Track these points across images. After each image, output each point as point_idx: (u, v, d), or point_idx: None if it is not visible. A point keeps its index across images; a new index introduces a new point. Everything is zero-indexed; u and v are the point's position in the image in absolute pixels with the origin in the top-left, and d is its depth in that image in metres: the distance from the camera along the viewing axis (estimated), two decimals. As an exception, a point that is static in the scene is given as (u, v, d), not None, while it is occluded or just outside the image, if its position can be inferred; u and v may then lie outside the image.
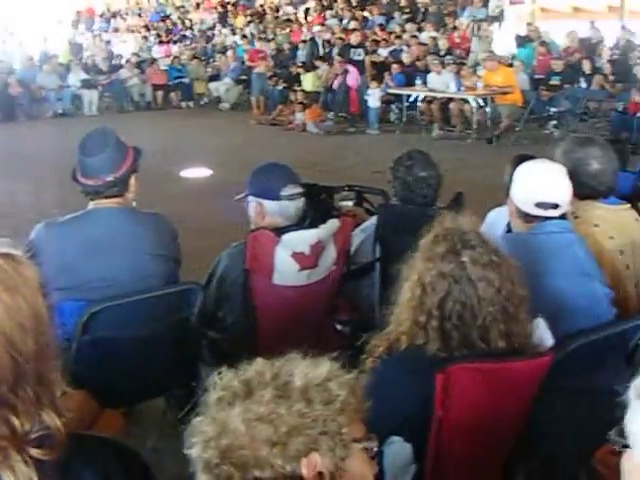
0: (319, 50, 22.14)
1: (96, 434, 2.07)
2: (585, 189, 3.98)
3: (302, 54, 22.47)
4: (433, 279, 2.76)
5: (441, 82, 16.76)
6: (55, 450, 1.72)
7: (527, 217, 3.71)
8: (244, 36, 24.65)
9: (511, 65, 17.67)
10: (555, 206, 3.65)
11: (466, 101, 16.39)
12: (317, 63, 20.57)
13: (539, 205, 3.66)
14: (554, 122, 16.57)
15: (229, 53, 23.92)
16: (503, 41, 20.08)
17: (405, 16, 23.13)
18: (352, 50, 19.09)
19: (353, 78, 18.74)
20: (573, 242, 3.65)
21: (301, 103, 18.88)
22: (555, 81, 17.09)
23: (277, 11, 27.69)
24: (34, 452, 1.69)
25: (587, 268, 3.59)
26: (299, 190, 4.08)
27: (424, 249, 2.83)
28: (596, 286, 3.58)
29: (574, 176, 3.85)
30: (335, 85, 19.24)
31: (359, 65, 19.16)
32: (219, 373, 1.90)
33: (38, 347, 1.73)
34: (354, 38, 19.34)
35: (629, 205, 4.13)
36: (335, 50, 21.27)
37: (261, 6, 28.74)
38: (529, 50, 19.10)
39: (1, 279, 1.71)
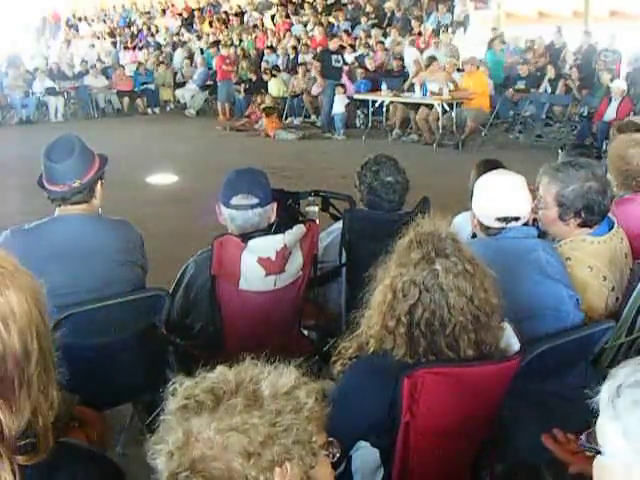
0: (289, 57, 22.16)
1: (72, 441, 2.04)
2: (579, 218, 3.97)
3: (268, 60, 22.47)
4: (405, 285, 2.74)
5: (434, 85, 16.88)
6: (39, 454, 1.70)
7: (489, 229, 3.75)
8: (214, 42, 24.53)
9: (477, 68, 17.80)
10: (516, 219, 3.70)
11: (432, 107, 16.46)
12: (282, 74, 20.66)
13: (500, 219, 3.70)
14: (519, 127, 16.69)
15: (197, 59, 23.88)
16: (469, 46, 20.16)
17: (371, 22, 23.16)
18: (333, 57, 19.05)
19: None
20: (537, 247, 3.69)
21: (264, 109, 18.89)
22: (521, 85, 17.22)
23: (242, 17, 27.62)
24: (20, 459, 1.68)
25: (552, 272, 3.62)
26: (250, 202, 4.03)
27: (399, 254, 2.81)
28: (561, 288, 3.62)
29: (566, 205, 3.90)
30: (314, 91, 19.24)
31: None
32: (178, 381, 1.86)
33: (23, 347, 1.72)
34: (332, 44, 19.30)
35: (616, 227, 4.11)
36: (302, 57, 21.30)
37: (225, 13, 28.66)
38: (490, 54, 19.23)
39: None
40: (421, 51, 19.13)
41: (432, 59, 17.67)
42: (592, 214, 3.95)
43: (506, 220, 3.70)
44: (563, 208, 3.95)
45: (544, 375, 3.39)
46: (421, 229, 2.84)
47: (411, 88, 17.42)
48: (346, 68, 19.18)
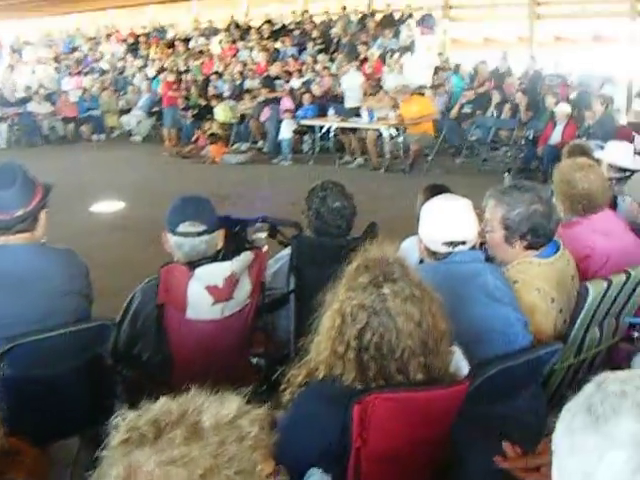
0: (235, 82, 22.20)
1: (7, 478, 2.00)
2: (524, 241, 4.02)
3: (215, 85, 22.47)
4: (353, 309, 2.74)
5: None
6: None
7: (436, 254, 3.78)
8: (161, 69, 24.49)
9: (422, 94, 17.93)
10: (463, 243, 3.74)
11: (380, 132, 16.57)
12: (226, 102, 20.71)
13: (447, 244, 3.74)
14: (465, 152, 16.84)
15: (142, 85, 23.80)
16: (415, 71, 20.32)
17: (317, 47, 23.29)
18: (276, 82, 19.16)
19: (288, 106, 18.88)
20: (483, 271, 3.73)
21: (211, 135, 18.88)
22: (467, 109, 17.39)
23: (188, 42, 27.61)
24: None
25: (499, 295, 3.66)
26: (197, 229, 4.02)
27: (347, 279, 2.82)
28: (508, 311, 3.65)
29: (512, 228, 3.96)
30: (262, 117, 19.28)
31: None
32: (121, 414, 1.83)
33: None
34: (274, 69, 19.40)
35: (562, 248, 4.16)
36: (249, 82, 21.34)
37: (172, 41, 28.63)
38: (457, 79, 19.38)
39: None
40: (367, 77, 19.23)
41: (378, 88, 17.86)
42: (538, 236, 4.00)
43: (453, 244, 3.73)
44: (509, 231, 4.00)
45: (494, 398, 3.41)
46: (369, 254, 2.86)
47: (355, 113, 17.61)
48: (286, 89, 19.33)
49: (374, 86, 18.31)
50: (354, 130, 17.33)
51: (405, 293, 2.74)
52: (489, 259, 4.04)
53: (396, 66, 19.42)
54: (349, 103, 18.37)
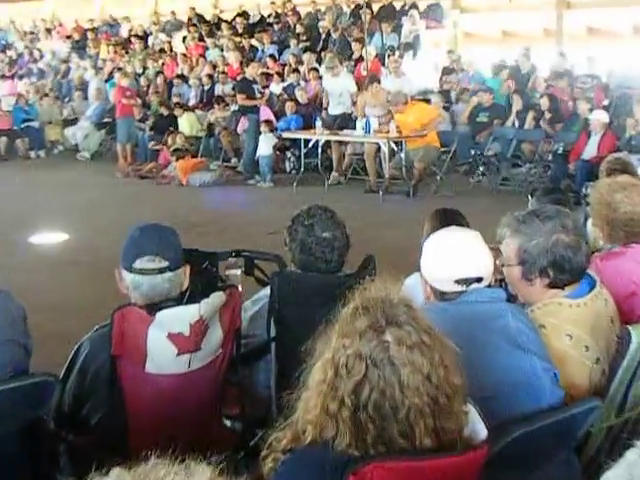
0: (204, 88, 22.27)
1: None
2: (545, 278, 4.03)
3: (179, 92, 22.53)
4: (349, 359, 2.73)
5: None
6: None
7: (445, 296, 3.78)
8: (116, 71, 24.51)
9: (428, 101, 17.98)
10: (478, 280, 3.74)
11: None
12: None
13: (459, 282, 3.74)
14: (481, 169, 16.85)
15: (90, 91, 23.82)
16: (419, 73, 20.38)
17: (302, 45, 23.34)
18: (254, 86, 19.19)
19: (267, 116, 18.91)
20: (504, 312, 3.72)
21: (175, 151, 18.88)
22: (483, 117, 17.41)
23: (146, 39, 27.68)
24: None
25: (523, 341, 3.64)
26: (157, 265, 4.03)
27: (341, 323, 2.81)
28: (534, 360, 3.63)
29: (529, 262, 3.96)
30: (240, 129, 19.32)
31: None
32: None
33: None
34: (250, 71, 19.46)
35: (599, 286, 4.15)
36: (219, 88, 21.40)
37: (126, 38, 28.70)
38: (498, 82, 19.20)
39: None
40: (361, 79, 19.25)
41: (374, 78, 17.92)
42: (562, 272, 4.01)
43: (467, 282, 3.73)
44: (526, 266, 4.01)
45: (518, 467, 3.40)
46: (368, 293, 2.86)
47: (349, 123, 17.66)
48: (265, 96, 19.39)
49: (371, 77, 18.31)
50: (345, 143, 17.41)
51: (412, 340, 2.73)
52: (511, 299, 4.05)
53: (392, 67, 19.35)
54: (335, 110, 18.52)
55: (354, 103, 18.35)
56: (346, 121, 18.07)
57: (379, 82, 18.29)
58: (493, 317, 3.69)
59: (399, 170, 16.60)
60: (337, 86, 18.71)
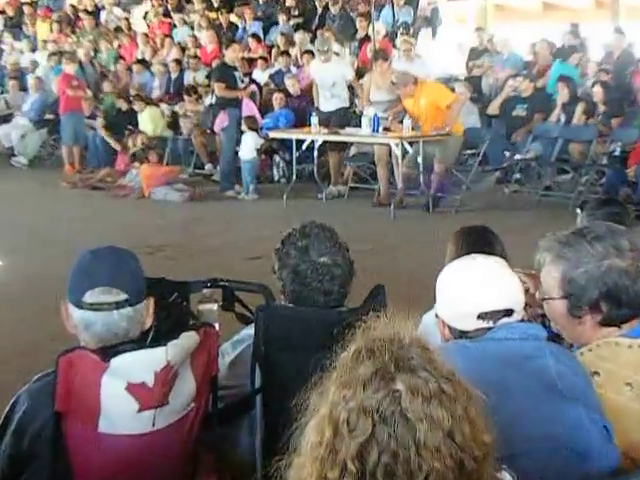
0: (170, 76, 22.26)
1: None
2: (598, 313, 3.99)
3: (140, 81, 22.53)
4: (351, 416, 2.72)
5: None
6: None
7: (467, 335, 3.79)
8: (53, 54, 24.54)
9: (452, 90, 17.96)
10: (508, 312, 3.74)
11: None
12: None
13: (483, 317, 3.74)
14: (518, 176, 16.82)
15: (28, 80, 23.84)
16: (439, 55, 20.39)
17: (293, 22, 23.33)
18: (235, 74, 18.96)
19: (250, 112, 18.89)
20: (541, 351, 3.71)
21: (134, 156, 18.85)
22: (520, 111, 17.37)
23: (97, 15, 27.69)
24: None
25: (565, 386, 3.63)
26: (114, 298, 4.02)
27: (341, 370, 2.80)
28: (579, 410, 3.61)
29: (576, 295, 3.95)
30: (217, 127, 19.20)
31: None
32: None
33: None
34: (229, 55, 19.28)
35: None
36: (190, 75, 21.41)
37: (73, 7, 28.67)
38: (565, 67, 18.93)
39: None
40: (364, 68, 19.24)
41: (381, 54, 17.90)
42: (617, 306, 3.97)
43: (493, 316, 3.72)
44: (573, 299, 3.96)
45: None
46: (373, 333, 2.85)
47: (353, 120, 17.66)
48: (250, 88, 19.32)
49: (377, 53, 18.18)
50: (342, 146, 17.52)
51: (429, 388, 2.71)
52: (557, 338, 4.06)
53: (404, 48, 19.17)
54: (328, 105, 18.26)
55: (353, 94, 18.36)
56: (343, 119, 17.96)
57: (386, 60, 18.03)
58: (527, 357, 3.68)
59: (415, 168, 16.45)
60: (328, 74, 18.26)
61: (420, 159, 16.25)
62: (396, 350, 2.78)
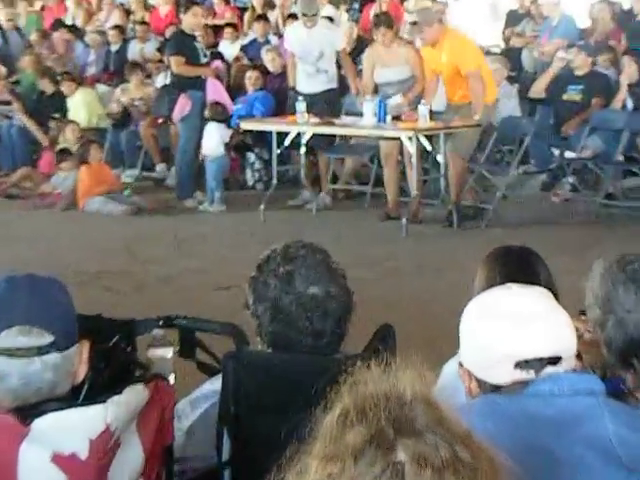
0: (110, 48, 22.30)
1: None
2: None
3: (70, 56, 22.59)
4: (341, 501, 2.75)
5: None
6: None
7: (502, 389, 3.80)
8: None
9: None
10: (554, 360, 3.76)
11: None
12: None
13: (522, 366, 3.75)
14: (570, 180, 16.83)
15: None
16: (467, 22, 20.49)
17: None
18: (197, 45, 18.57)
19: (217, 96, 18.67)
20: (597, 411, 3.73)
21: (61, 153, 18.82)
22: (574, 94, 17.36)
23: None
24: None
25: (627, 455, 3.63)
26: (35, 342, 4.02)
27: (324, 438, 2.76)
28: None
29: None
30: (176, 115, 18.82)
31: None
32: None
33: None
34: (189, 21, 18.94)
35: None
36: (137, 47, 21.45)
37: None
38: None
39: None
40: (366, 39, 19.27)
41: (385, 21, 17.50)
42: None
43: (536, 365, 3.75)
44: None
45: None
46: (364, 388, 2.81)
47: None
48: (215, 65, 19.24)
49: (379, 17, 17.98)
50: (333, 140, 17.58)
51: (440, 456, 2.66)
52: (619, 392, 4.09)
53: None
54: (311, 85, 17.98)
55: (339, 68, 18.16)
56: (334, 105, 17.81)
57: (391, 27, 17.37)
58: (578, 417, 3.69)
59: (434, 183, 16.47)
60: (314, 43, 17.82)
61: (441, 157, 16.18)
62: (395, 409, 2.70)
